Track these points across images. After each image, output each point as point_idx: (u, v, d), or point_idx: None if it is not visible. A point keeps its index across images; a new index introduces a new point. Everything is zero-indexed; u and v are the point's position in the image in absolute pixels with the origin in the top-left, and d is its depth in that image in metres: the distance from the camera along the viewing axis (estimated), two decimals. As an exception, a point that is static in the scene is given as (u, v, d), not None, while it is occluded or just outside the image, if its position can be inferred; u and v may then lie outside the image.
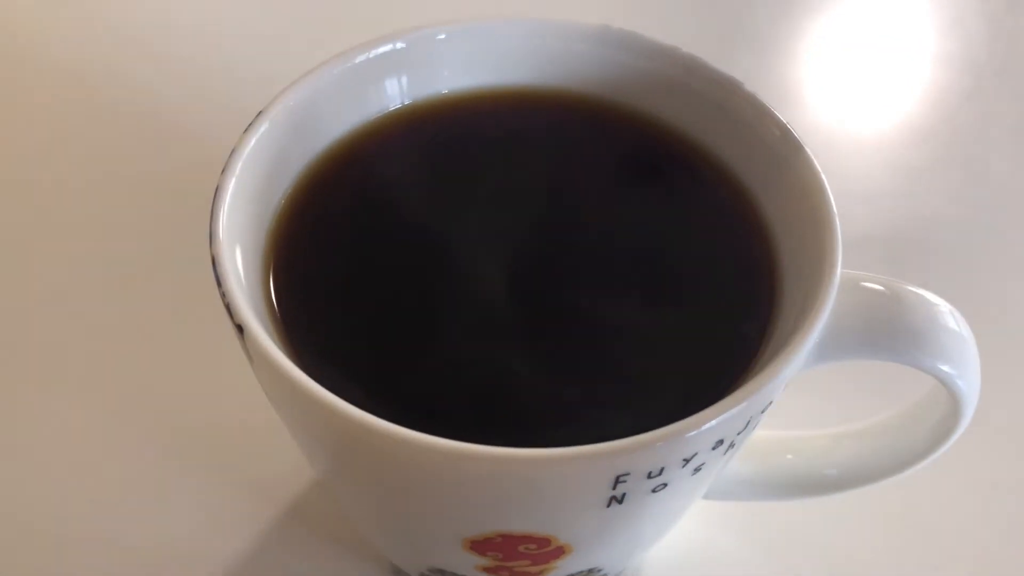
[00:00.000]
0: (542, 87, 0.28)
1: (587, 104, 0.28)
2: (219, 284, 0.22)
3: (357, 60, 0.26)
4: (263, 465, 0.32)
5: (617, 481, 0.20)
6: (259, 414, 0.26)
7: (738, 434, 0.21)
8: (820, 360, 0.23)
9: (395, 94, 0.27)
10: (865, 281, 0.23)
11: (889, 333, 0.23)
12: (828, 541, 0.31)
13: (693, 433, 0.20)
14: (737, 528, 0.31)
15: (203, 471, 0.32)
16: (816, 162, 0.24)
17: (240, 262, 0.23)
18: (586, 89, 0.28)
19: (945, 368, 0.23)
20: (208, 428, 0.33)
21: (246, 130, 0.24)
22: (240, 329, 0.21)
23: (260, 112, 0.25)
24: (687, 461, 0.21)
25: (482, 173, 0.27)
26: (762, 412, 0.22)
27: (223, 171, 0.24)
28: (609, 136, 0.28)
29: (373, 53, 0.26)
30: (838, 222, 0.23)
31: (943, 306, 0.24)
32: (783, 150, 0.25)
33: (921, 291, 0.24)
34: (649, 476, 0.20)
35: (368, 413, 0.19)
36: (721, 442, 0.21)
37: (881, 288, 0.23)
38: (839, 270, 0.22)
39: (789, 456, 0.28)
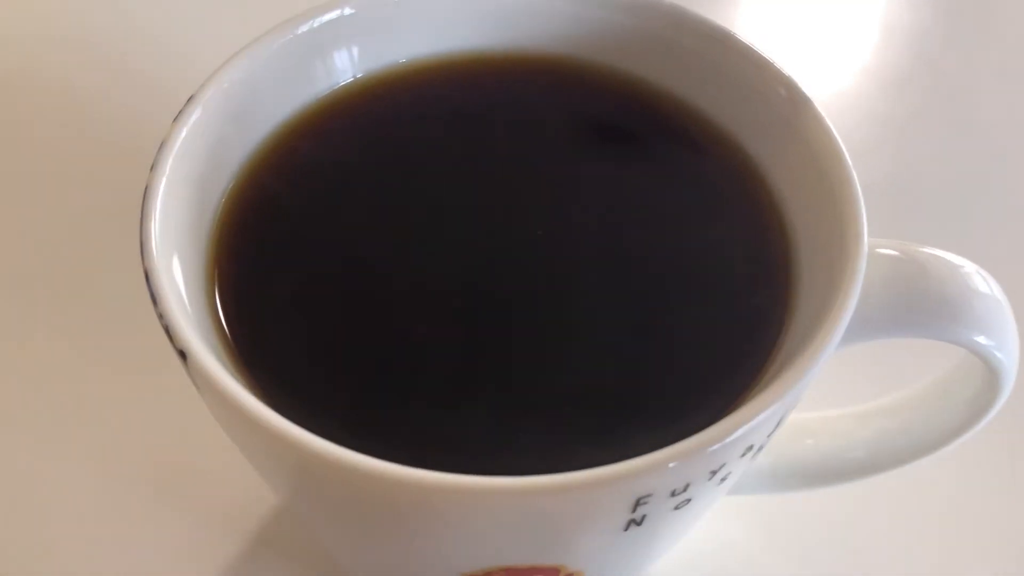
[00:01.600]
0: (513, 51, 0.25)
1: (564, 69, 0.25)
2: (155, 303, 0.18)
3: (300, 31, 0.23)
4: (229, 491, 0.28)
5: (638, 503, 0.17)
6: (217, 437, 0.22)
7: (768, 436, 0.19)
8: (843, 345, 0.20)
9: (346, 67, 0.24)
10: (878, 247, 0.21)
11: (917, 307, 0.21)
12: (853, 533, 0.28)
13: (722, 444, 0.17)
14: (752, 521, 0.28)
15: (165, 502, 0.29)
16: (828, 120, 0.21)
17: (180, 275, 0.20)
18: (562, 51, 0.25)
19: (981, 340, 0.21)
20: (165, 456, 0.29)
21: (176, 119, 0.21)
22: (183, 355, 0.18)
23: (191, 97, 0.21)
24: (714, 473, 0.18)
25: (453, 155, 0.24)
26: (793, 409, 0.19)
27: (152, 169, 0.20)
28: (591, 105, 0.25)
29: (318, 22, 0.23)
30: (858, 185, 0.20)
31: (968, 267, 0.21)
32: (789, 109, 0.22)
33: (940, 252, 0.21)
34: (673, 494, 0.18)
35: (339, 446, 0.16)
36: (751, 447, 0.18)
37: (896, 253, 0.21)
38: (865, 240, 0.20)
39: (809, 441, 0.25)
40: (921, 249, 0.21)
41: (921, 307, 0.21)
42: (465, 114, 0.25)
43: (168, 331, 0.18)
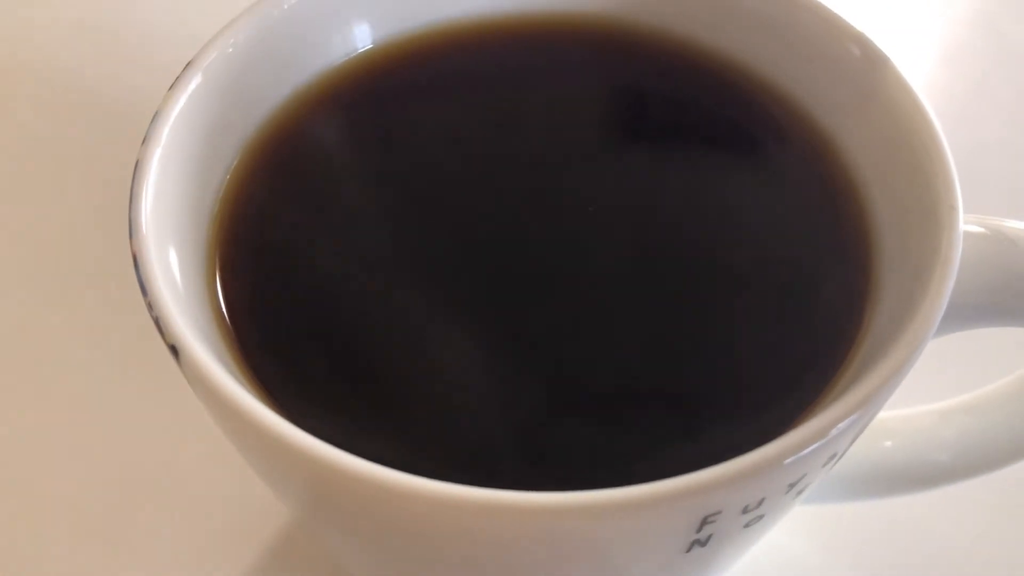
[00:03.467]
0: (548, 12, 0.22)
1: (605, 31, 0.22)
2: (144, 292, 0.16)
3: (311, -9, 0.21)
4: (240, 499, 0.26)
5: (704, 522, 0.15)
6: (217, 442, 0.20)
7: (852, 441, 0.16)
8: (936, 335, 0.17)
9: (364, 32, 0.22)
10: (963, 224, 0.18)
11: (1018, 290, 0.18)
12: (938, 548, 0.25)
13: (804, 453, 0.14)
14: (815, 533, 0.26)
15: (171, 511, 0.26)
16: (908, 80, 0.19)
17: (175, 260, 0.18)
18: (602, 11, 0.22)
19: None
20: (171, 462, 0.27)
21: (171, 87, 0.19)
22: (174, 351, 0.15)
23: (189, 63, 0.19)
24: (792, 485, 0.15)
25: (481, 131, 0.22)
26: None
27: (144, 142, 0.18)
28: (637, 72, 0.22)
29: (332, -19, 0.21)
30: (948, 152, 0.18)
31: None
32: (864, 70, 0.19)
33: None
34: (745, 510, 0.15)
35: (354, 456, 0.14)
36: (834, 456, 0.16)
37: (981, 230, 0.18)
38: (960, 213, 0.17)
39: (888, 443, 0.22)
40: (1007, 223, 0.18)
41: (1020, 290, 0.18)
42: (495, 85, 0.22)
43: (159, 324, 0.16)
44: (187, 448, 0.27)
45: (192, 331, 0.16)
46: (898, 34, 0.39)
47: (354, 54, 0.22)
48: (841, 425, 0.15)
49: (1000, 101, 0.37)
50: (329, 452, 0.14)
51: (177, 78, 0.19)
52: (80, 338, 0.29)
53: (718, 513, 0.15)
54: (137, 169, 0.18)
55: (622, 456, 0.16)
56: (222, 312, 0.18)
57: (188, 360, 0.15)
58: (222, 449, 0.18)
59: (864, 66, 0.19)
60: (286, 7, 0.20)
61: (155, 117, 0.18)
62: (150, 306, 0.16)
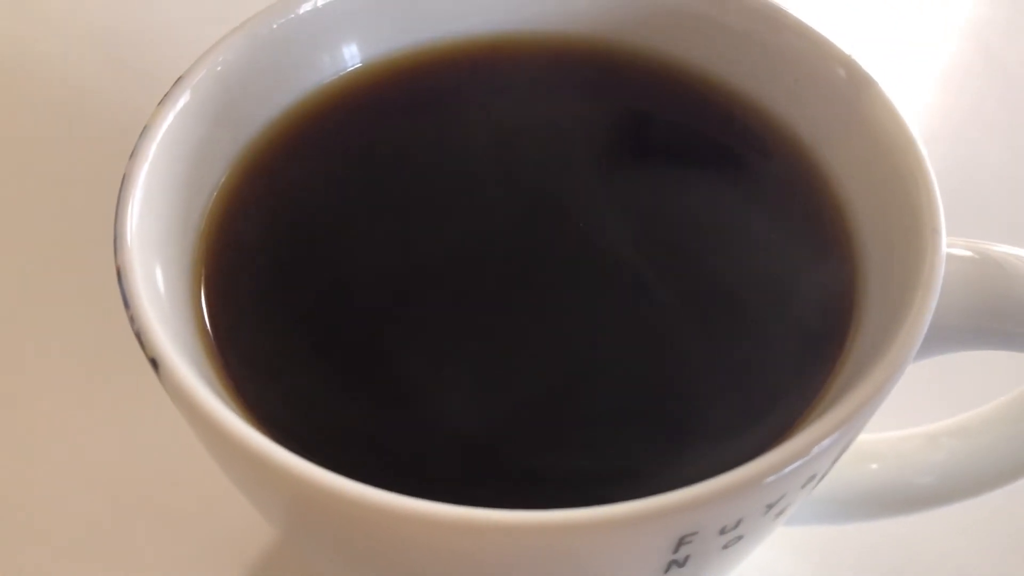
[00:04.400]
0: (535, 33, 0.22)
1: (591, 52, 0.22)
2: (126, 305, 0.16)
3: (302, 9, 0.21)
4: (228, 516, 0.26)
5: (681, 542, 0.15)
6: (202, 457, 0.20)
7: (833, 462, 0.16)
8: (917, 358, 0.17)
9: (352, 52, 0.22)
10: (947, 247, 0.18)
11: (999, 313, 0.18)
12: (918, 572, 0.25)
13: (781, 473, 0.14)
14: (804, 554, 0.25)
15: (159, 528, 0.26)
16: (894, 102, 0.19)
17: (160, 275, 0.18)
18: (589, 32, 0.22)
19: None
20: (159, 478, 0.27)
21: (162, 102, 0.19)
22: (155, 363, 0.16)
23: (180, 78, 0.19)
24: (771, 507, 0.15)
25: (472, 151, 0.22)
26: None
27: (132, 155, 0.18)
28: (624, 92, 0.22)
29: (322, 0, 0.21)
30: (933, 174, 0.18)
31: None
32: (850, 92, 0.20)
33: (1018, 251, 0.19)
34: (723, 531, 0.15)
35: (337, 474, 0.14)
36: (813, 477, 0.16)
37: (968, 253, 0.18)
38: (944, 236, 0.17)
39: (874, 465, 0.22)
40: (995, 247, 0.18)
41: (1004, 313, 0.18)
42: (483, 105, 0.22)
43: (140, 337, 0.16)
44: (171, 462, 0.26)
45: (174, 345, 0.16)
46: (892, 56, 0.39)
47: (343, 72, 0.22)
48: (821, 445, 0.15)
49: (995, 123, 0.37)
50: (310, 470, 0.14)
51: (166, 94, 0.19)
52: (67, 352, 0.29)
53: (695, 533, 0.14)
54: (124, 183, 0.18)
55: (600, 475, 0.16)
56: (206, 327, 0.18)
57: (168, 374, 0.15)
58: (207, 464, 0.18)
59: (850, 88, 0.20)
60: (275, 26, 0.20)
61: (143, 132, 0.19)
62: (132, 319, 0.16)
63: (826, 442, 0.15)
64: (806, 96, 0.20)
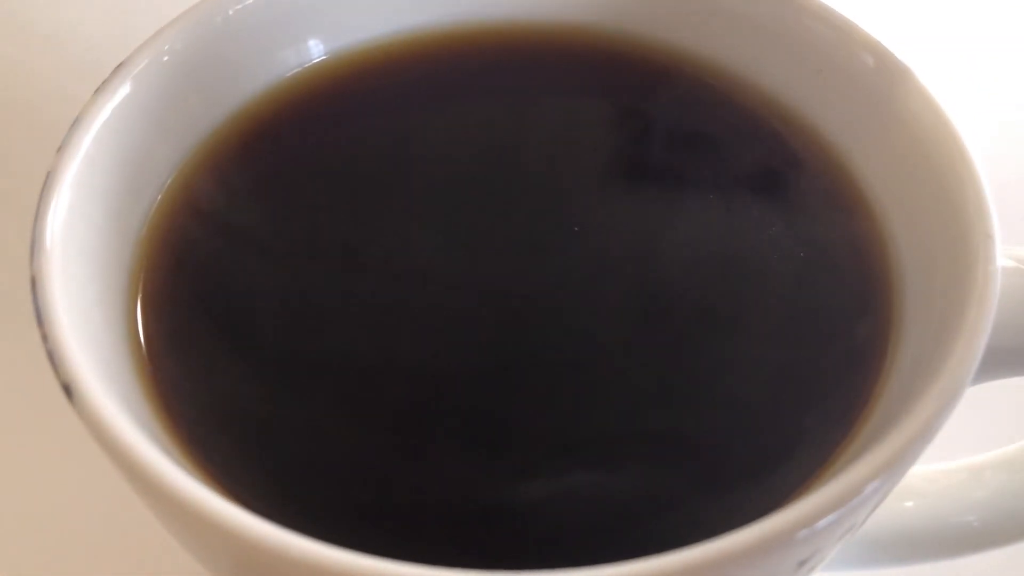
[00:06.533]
0: (527, 22, 0.20)
1: (586, 43, 0.20)
2: (39, 321, 0.14)
3: (261, -8, 0.18)
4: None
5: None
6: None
7: (874, 509, 0.14)
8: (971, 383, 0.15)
9: (316, 42, 0.19)
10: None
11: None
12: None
13: (815, 527, 0.12)
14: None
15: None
16: (932, 92, 0.17)
17: (89, 287, 0.15)
18: (583, 20, 0.20)
19: None
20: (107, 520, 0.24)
21: (98, 91, 0.17)
22: (68, 390, 0.13)
23: (119, 67, 0.17)
24: (803, 563, 0.13)
25: (449, 150, 0.20)
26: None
27: (60, 150, 0.16)
28: (627, 85, 0.20)
29: (283, -16, 0.19)
30: (981, 173, 0.15)
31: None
32: (880, 83, 0.17)
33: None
34: (745, 594, 0.12)
35: (283, 529, 0.12)
36: (852, 527, 0.13)
37: (1014, 263, 0.16)
38: (997, 242, 0.15)
39: (908, 503, 0.20)
40: None
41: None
42: (462, 101, 0.20)
43: (52, 358, 0.13)
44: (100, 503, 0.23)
45: (96, 368, 0.14)
46: (922, 44, 0.36)
47: (306, 66, 0.19)
48: (864, 491, 0.12)
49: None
50: (249, 524, 0.12)
51: (104, 82, 0.17)
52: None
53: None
54: (48, 181, 0.15)
55: (611, 527, 0.14)
56: (140, 346, 0.16)
57: (83, 402, 0.13)
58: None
59: (880, 78, 0.17)
60: (231, 12, 0.18)
61: (75, 124, 0.16)
62: (45, 337, 0.14)
63: (869, 488, 0.12)
64: (829, 89, 0.18)
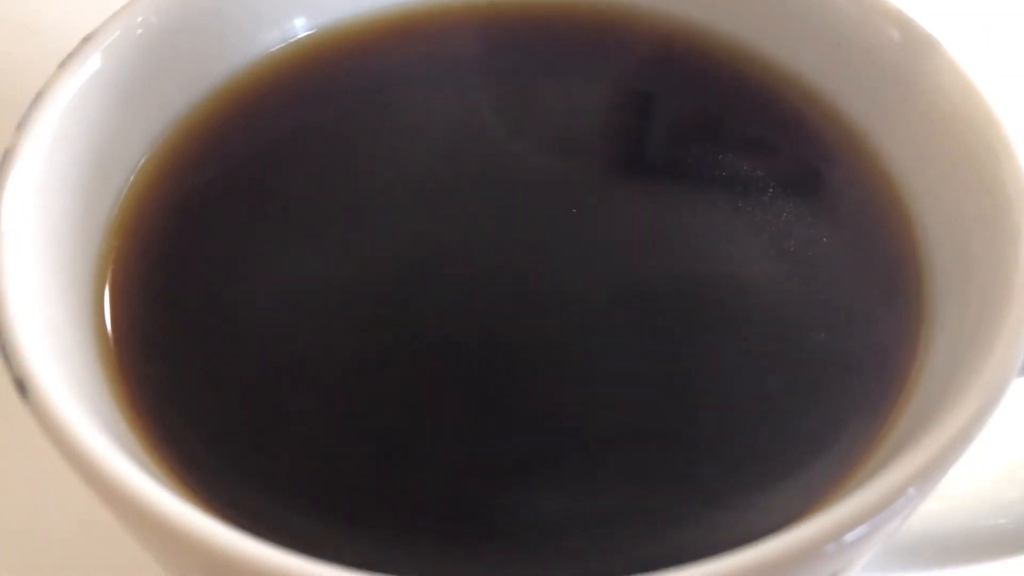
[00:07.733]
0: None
1: (593, 17, 0.19)
2: (-10, 310, 0.12)
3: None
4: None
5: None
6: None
7: (907, 518, 0.13)
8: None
9: (300, 17, 0.18)
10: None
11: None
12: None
13: (843, 539, 0.11)
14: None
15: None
16: (963, 66, 0.15)
17: (52, 274, 0.14)
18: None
19: None
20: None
21: (63, 64, 0.15)
22: (21, 385, 0.12)
23: (86, 38, 0.16)
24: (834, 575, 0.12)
25: (438, 128, 0.18)
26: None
27: (19, 127, 0.15)
28: (635, 64, 0.19)
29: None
30: (1018, 152, 0.14)
31: None
32: (906, 58, 0.16)
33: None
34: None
35: (257, 540, 0.11)
36: (887, 536, 0.12)
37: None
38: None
39: (936, 506, 0.19)
40: None
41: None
42: (458, 80, 0.19)
43: (4, 351, 0.12)
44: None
45: (56, 363, 0.13)
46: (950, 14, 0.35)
47: (289, 41, 0.18)
48: (898, 500, 0.11)
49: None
50: (216, 534, 0.11)
51: (70, 55, 0.16)
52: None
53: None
54: (5, 159, 0.14)
55: (616, 540, 0.12)
56: (107, 337, 0.15)
57: (38, 399, 0.12)
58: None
59: (906, 52, 0.16)
60: (209, -18, 0.17)
61: (37, 99, 0.15)
62: (-3, 329, 0.12)
63: (908, 493, 0.11)
64: (851, 64, 0.17)
